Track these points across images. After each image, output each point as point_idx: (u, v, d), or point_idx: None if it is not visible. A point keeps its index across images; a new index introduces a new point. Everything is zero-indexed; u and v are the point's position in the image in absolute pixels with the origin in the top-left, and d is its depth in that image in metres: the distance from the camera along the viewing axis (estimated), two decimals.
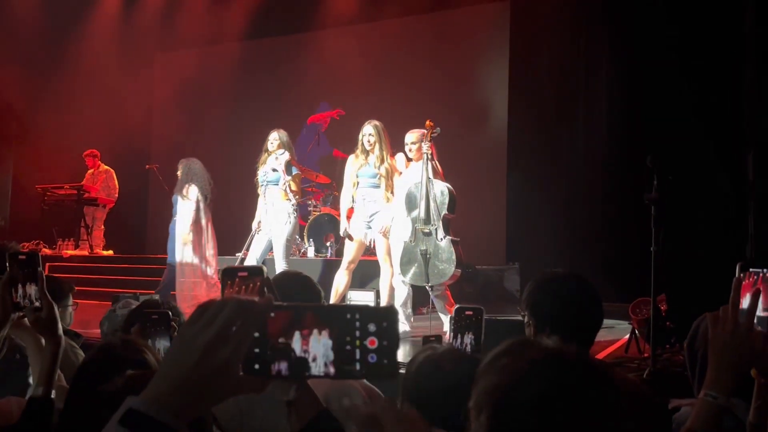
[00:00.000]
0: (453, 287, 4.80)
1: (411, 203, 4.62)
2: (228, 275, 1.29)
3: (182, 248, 5.72)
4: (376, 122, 4.90)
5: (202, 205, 5.80)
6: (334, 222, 7.03)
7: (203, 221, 5.82)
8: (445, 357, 1.40)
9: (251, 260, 5.26)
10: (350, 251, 4.91)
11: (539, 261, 6.26)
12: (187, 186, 5.82)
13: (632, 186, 5.37)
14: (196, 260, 5.76)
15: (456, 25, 8.18)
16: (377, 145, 4.80)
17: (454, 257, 4.51)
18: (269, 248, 5.32)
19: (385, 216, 4.79)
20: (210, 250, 5.79)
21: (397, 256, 4.63)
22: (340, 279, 4.88)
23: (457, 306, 1.91)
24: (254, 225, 5.38)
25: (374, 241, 4.90)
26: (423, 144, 4.55)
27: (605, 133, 6.73)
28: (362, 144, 4.85)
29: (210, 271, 5.76)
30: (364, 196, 4.86)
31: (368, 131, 4.83)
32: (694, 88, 5.93)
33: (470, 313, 1.87)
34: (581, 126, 6.95)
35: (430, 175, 4.52)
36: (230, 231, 6.99)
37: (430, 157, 4.51)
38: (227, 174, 7.92)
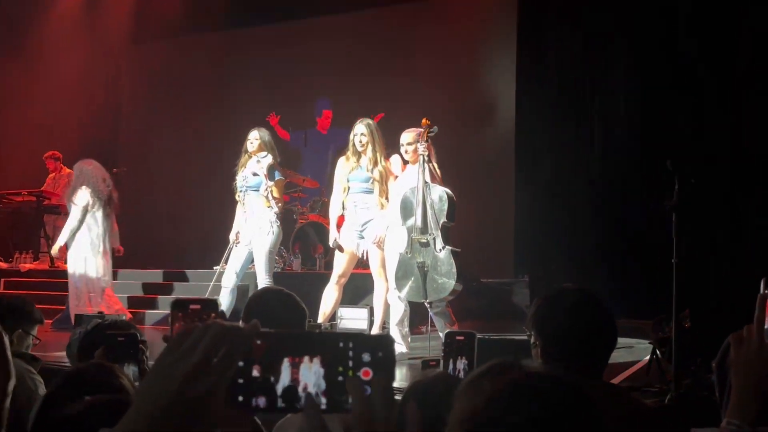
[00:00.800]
0: (455, 303, 4.80)
1: (406, 210, 4.63)
2: (178, 307, 1.28)
3: (74, 259, 5.86)
4: (369, 120, 4.93)
5: (96, 209, 5.90)
6: (323, 231, 6.98)
7: (98, 228, 5.95)
8: (436, 384, 1.41)
9: (229, 274, 5.25)
10: (340, 264, 4.93)
11: (550, 273, 6.40)
12: (76, 190, 5.89)
13: (652, 191, 5.45)
14: (88, 270, 5.87)
15: (458, 10, 8.22)
16: (370, 146, 4.82)
17: (454, 270, 4.51)
18: (249, 261, 5.31)
19: (379, 224, 4.80)
20: (101, 260, 5.93)
21: (393, 268, 4.65)
22: (330, 295, 4.88)
23: (448, 331, 1.97)
24: (232, 236, 5.36)
25: (367, 253, 4.91)
26: (419, 145, 4.55)
27: (623, 132, 6.79)
28: (353, 145, 4.87)
29: (102, 281, 5.91)
30: (356, 202, 4.88)
31: (360, 130, 4.85)
32: (723, 83, 6.01)
33: (462, 338, 1.93)
34: (597, 124, 6.99)
35: (427, 178, 4.53)
36: (206, 242, 7.01)
37: (426, 159, 4.52)
38: (203, 178, 7.91)
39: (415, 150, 4.64)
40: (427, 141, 4.55)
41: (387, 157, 4.91)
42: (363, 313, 4.28)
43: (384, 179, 4.83)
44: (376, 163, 4.83)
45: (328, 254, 6.72)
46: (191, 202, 6.17)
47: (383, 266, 4.80)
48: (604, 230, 6.74)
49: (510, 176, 7.50)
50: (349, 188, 4.89)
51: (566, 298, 1.74)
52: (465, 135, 7.62)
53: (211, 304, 1.24)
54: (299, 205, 7.87)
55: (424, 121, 4.58)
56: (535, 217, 7.12)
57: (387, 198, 4.83)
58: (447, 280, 4.52)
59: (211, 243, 6.66)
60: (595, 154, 6.96)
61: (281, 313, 2.08)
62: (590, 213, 6.85)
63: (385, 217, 4.82)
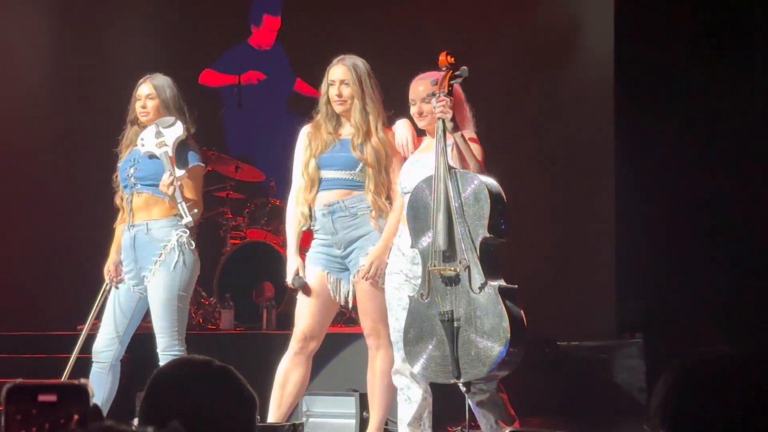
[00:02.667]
0: (513, 385, 4.67)
1: (418, 220, 4.54)
2: (17, 400, 1.33)
3: None
4: (356, 59, 4.88)
5: None
6: (275, 259, 6.91)
7: None
8: None
9: (106, 338, 5.04)
10: (306, 316, 4.85)
11: (680, 330, 6.39)
12: None
13: None
14: None
15: None
16: (357, 103, 4.78)
17: (506, 324, 4.25)
18: (143, 314, 5.13)
19: (376, 246, 4.75)
20: None
21: (399, 325, 4.57)
22: (289, 371, 4.82)
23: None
24: (108, 269, 5.16)
25: (353, 297, 4.84)
26: (434, 100, 4.48)
27: None
28: (327, 102, 4.85)
29: None
30: (332, 207, 4.81)
31: (338, 76, 4.81)
32: None
33: None
34: (759, 95, 7.03)
35: (452, 161, 4.47)
36: (64, 285, 7.23)
37: (450, 125, 4.45)
38: (50, 185, 7.97)
39: (431, 110, 4.59)
40: (449, 93, 4.48)
41: (388, 125, 4.86)
42: (348, 403, 4.43)
43: (383, 162, 4.77)
44: (368, 134, 4.77)
45: (284, 300, 6.80)
46: (33, 224, 6.73)
47: (383, 319, 4.71)
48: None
49: (607, 172, 7.38)
50: (320, 181, 4.81)
51: (721, 371, 1.75)
52: (524, 82, 7.62)
53: (76, 393, 1.29)
54: (229, 213, 7.64)
55: (443, 56, 4.52)
56: (649, 237, 7.10)
57: (389, 196, 4.80)
58: (494, 343, 4.30)
59: (73, 286, 6.84)
60: (745, 151, 7.00)
61: (212, 403, 2.00)
62: (736, 232, 6.95)
63: (387, 232, 4.77)
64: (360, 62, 4.84)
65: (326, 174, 4.79)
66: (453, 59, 4.51)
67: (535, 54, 7.85)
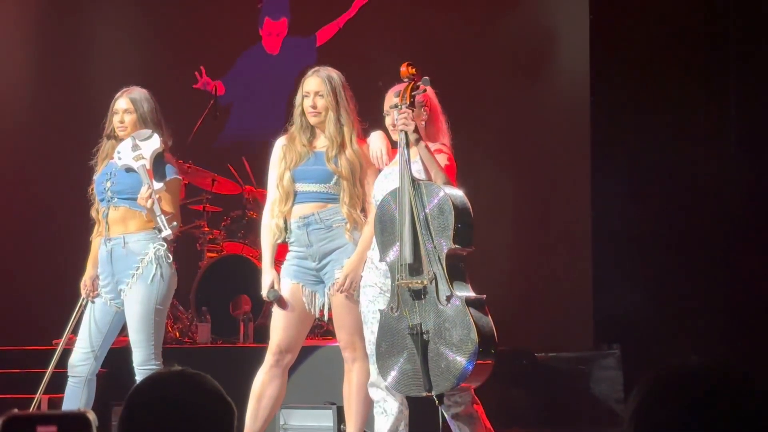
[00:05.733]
0: (490, 397, 4.73)
1: (385, 233, 4.54)
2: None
3: None
4: (331, 71, 4.89)
5: None
6: (251, 272, 6.88)
7: None
8: None
9: (81, 351, 5.01)
10: (281, 329, 4.84)
11: (656, 340, 6.47)
12: None
13: None
14: None
15: None
16: (331, 115, 4.78)
17: (474, 334, 4.22)
18: (119, 329, 5.13)
19: (351, 259, 4.75)
20: None
21: (374, 337, 4.56)
22: (265, 385, 4.80)
23: None
24: (84, 283, 5.15)
25: (328, 309, 4.82)
26: (395, 112, 4.49)
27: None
28: (301, 114, 4.84)
29: None
30: (307, 219, 4.80)
31: (313, 86, 4.82)
32: None
33: None
34: (733, 103, 7.04)
35: (415, 172, 4.48)
36: (38, 300, 7.16)
37: (414, 136, 4.44)
38: (29, 187, 7.90)
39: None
40: (411, 105, 4.47)
41: (363, 136, 4.85)
42: (325, 417, 4.54)
43: (357, 175, 4.77)
44: (343, 146, 4.77)
45: (261, 313, 6.77)
46: (6, 237, 6.84)
47: (358, 332, 4.73)
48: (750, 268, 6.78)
49: (583, 162, 7.35)
50: (295, 194, 4.79)
51: (693, 382, 1.73)
52: (502, 93, 7.64)
53: (77, 424, 1.31)
54: (206, 226, 7.62)
55: (403, 68, 4.52)
56: (629, 243, 7.06)
57: (364, 208, 4.80)
58: (462, 356, 4.26)
59: (48, 301, 6.79)
60: (729, 147, 7.01)
61: (192, 414, 1.96)
62: (720, 237, 6.93)
63: (362, 244, 4.78)
64: (335, 74, 4.84)
65: (301, 187, 4.79)
66: (414, 69, 4.49)
67: (511, 63, 7.85)
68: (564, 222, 7.64)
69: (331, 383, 5.34)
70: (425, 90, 4.55)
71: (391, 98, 4.66)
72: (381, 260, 4.58)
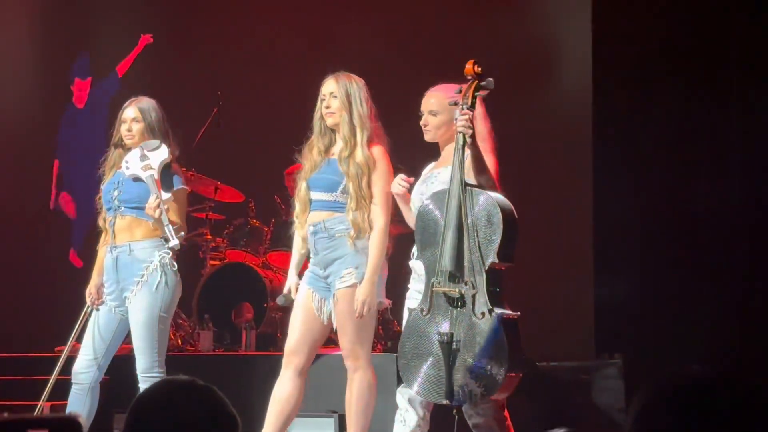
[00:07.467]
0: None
1: (426, 231, 4.41)
2: None
3: None
4: (348, 75, 4.87)
5: None
6: (252, 280, 6.99)
7: None
8: None
9: (85, 359, 5.05)
10: (290, 332, 4.88)
11: (660, 350, 6.46)
12: None
13: None
14: None
15: None
16: (345, 118, 4.75)
17: (505, 353, 4.18)
18: (122, 337, 5.16)
19: (353, 266, 4.73)
20: None
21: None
22: (276, 388, 4.82)
23: None
24: (89, 291, 5.16)
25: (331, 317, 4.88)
26: (458, 111, 4.28)
27: None
28: (320, 118, 4.84)
29: None
30: (315, 228, 4.80)
31: (328, 89, 4.81)
32: None
33: None
34: (735, 107, 7.04)
35: (469, 176, 4.31)
36: (42, 307, 7.15)
37: (468, 139, 4.25)
38: (34, 195, 8.08)
39: (447, 121, 4.48)
40: (472, 106, 4.27)
41: (377, 139, 4.79)
42: (327, 425, 4.66)
43: (364, 177, 4.71)
44: (354, 148, 4.73)
45: (264, 321, 6.93)
46: (10, 244, 6.97)
47: (359, 341, 4.73)
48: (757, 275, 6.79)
49: (586, 171, 7.34)
50: (310, 202, 4.82)
51: (695, 391, 1.76)
52: (505, 102, 7.42)
53: (67, 427, 1.31)
54: (208, 234, 7.63)
55: (468, 66, 4.31)
56: (630, 253, 7.10)
57: (368, 216, 4.70)
58: (490, 372, 4.19)
59: (50, 308, 6.84)
60: (737, 146, 7.00)
61: (195, 422, 2.00)
62: (725, 243, 6.89)
63: (362, 253, 4.72)
64: (350, 78, 4.82)
65: (314, 195, 4.80)
66: (480, 69, 4.34)
67: (514, 73, 7.70)
68: (565, 231, 7.64)
69: (334, 392, 5.32)
70: (488, 92, 4.41)
71: (428, 100, 4.57)
72: (417, 258, 4.49)
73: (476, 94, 4.31)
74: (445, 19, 8.20)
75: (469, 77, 4.33)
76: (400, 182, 4.70)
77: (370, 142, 4.79)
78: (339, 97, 4.77)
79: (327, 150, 4.83)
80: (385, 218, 4.69)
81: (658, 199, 7.16)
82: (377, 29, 8.51)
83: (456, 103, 4.36)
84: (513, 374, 4.29)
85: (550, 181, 7.79)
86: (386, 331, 6.72)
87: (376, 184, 4.74)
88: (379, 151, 4.77)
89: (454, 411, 4.33)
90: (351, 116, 4.74)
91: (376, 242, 4.67)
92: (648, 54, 7.27)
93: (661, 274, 7.02)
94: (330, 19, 8.86)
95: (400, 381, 5.31)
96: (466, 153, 4.29)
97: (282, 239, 7.22)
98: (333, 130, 4.83)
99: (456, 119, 4.33)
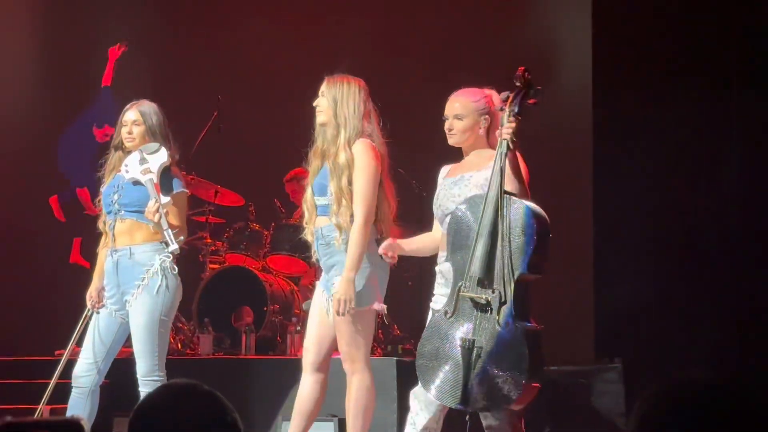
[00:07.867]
0: None
1: (459, 234, 4.35)
2: None
3: None
4: (338, 76, 4.87)
5: None
6: (254, 284, 7.03)
7: None
8: None
9: (85, 362, 5.06)
10: (312, 336, 4.91)
11: (661, 355, 6.50)
12: None
13: None
14: None
15: None
16: (332, 121, 4.78)
17: (525, 365, 4.14)
18: (123, 341, 5.15)
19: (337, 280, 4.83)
20: None
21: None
22: (300, 389, 4.87)
23: None
24: (90, 294, 5.18)
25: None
26: (505, 116, 4.22)
27: None
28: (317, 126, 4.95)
29: None
30: (316, 234, 4.86)
31: (321, 89, 4.86)
32: None
33: None
34: (735, 111, 7.05)
35: (505, 183, 4.24)
36: (42, 310, 7.21)
37: (511, 146, 4.20)
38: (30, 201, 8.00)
39: (471, 126, 4.42)
40: (518, 112, 4.21)
41: (365, 137, 4.76)
42: (327, 429, 4.65)
43: (343, 176, 4.70)
44: (337, 149, 4.75)
45: (263, 324, 6.96)
46: (10, 248, 7.04)
47: (355, 345, 4.72)
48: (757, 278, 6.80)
49: (586, 175, 7.41)
50: (317, 208, 4.87)
51: (696, 395, 1.76)
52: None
53: (69, 430, 1.29)
54: (208, 238, 7.66)
55: (520, 72, 4.25)
56: (630, 257, 7.09)
57: (350, 214, 4.69)
58: (509, 382, 4.15)
59: (52, 313, 6.79)
60: (736, 150, 7.01)
61: (197, 427, 2.02)
62: (726, 246, 6.91)
63: (349, 262, 4.70)
64: (346, 78, 4.80)
65: (317, 200, 4.81)
66: (530, 76, 4.27)
67: (514, 72, 7.95)
68: (565, 234, 7.50)
69: (334, 396, 5.30)
70: (536, 102, 4.33)
71: (452, 104, 4.51)
72: (447, 260, 4.41)
73: (524, 102, 4.25)
74: (445, 19, 8.21)
75: (517, 83, 4.27)
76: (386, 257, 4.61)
77: (354, 141, 4.73)
78: (326, 96, 4.76)
79: (322, 155, 4.81)
80: (363, 215, 4.62)
81: (658, 202, 7.16)
82: (377, 33, 8.62)
83: (501, 109, 4.30)
84: (532, 385, 4.26)
85: (549, 183, 7.61)
86: (386, 335, 6.67)
87: (356, 180, 4.70)
88: (361, 146, 4.71)
89: (467, 416, 4.31)
90: (336, 116, 4.72)
91: (353, 239, 4.62)
92: (648, 54, 7.28)
93: (661, 277, 7.01)
94: (331, 23, 8.96)
95: (399, 384, 5.30)
96: (505, 160, 4.21)
97: (282, 243, 7.23)
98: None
99: (501, 125, 4.24)
